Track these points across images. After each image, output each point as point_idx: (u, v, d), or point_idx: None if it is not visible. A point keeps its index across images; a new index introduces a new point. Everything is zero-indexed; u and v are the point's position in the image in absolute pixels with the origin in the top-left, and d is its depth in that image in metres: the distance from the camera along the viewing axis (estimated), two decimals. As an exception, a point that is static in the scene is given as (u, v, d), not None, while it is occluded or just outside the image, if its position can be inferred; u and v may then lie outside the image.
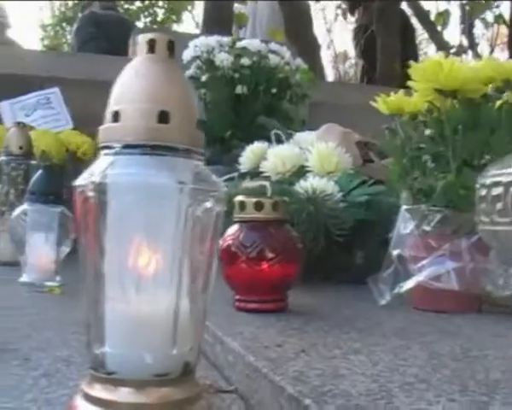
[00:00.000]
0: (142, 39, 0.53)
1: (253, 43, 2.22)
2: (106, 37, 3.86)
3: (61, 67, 2.79)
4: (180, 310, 0.51)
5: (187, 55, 2.17)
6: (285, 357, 0.66)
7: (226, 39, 2.26)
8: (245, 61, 2.18)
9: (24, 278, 1.34)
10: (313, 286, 1.21)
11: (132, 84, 0.52)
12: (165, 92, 0.51)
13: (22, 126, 1.81)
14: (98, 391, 0.52)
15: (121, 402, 0.51)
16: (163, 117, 0.50)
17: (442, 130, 1.00)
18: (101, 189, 0.49)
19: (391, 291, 1.04)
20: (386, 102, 1.09)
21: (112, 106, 0.52)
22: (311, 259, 1.05)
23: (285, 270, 0.95)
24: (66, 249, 1.38)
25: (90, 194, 0.50)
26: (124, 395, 0.51)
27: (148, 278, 0.50)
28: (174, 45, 0.53)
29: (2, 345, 0.80)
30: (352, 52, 9.11)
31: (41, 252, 1.36)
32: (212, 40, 2.21)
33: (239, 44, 2.24)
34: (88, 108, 2.46)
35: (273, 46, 2.26)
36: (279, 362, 0.64)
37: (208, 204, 0.51)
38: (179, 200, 0.49)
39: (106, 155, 0.51)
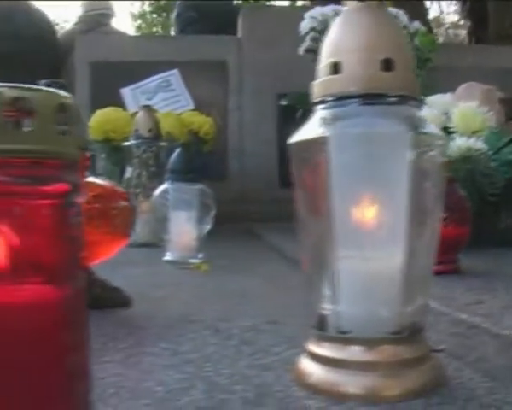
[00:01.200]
0: (352, -11, 0.51)
1: (370, 9, 2.16)
2: (205, 19, 3.86)
3: (169, 51, 2.81)
4: (410, 266, 0.49)
5: (304, 27, 2.13)
6: (496, 313, 0.63)
7: (342, 8, 2.21)
8: (362, 27, 2.12)
9: (168, 257, 1.36)
10: (469, 248, 1.17)
11: (349, 34, 0.50)
12: (385, 39, 0.49)
13: (149, 109, 1.83)
14: (326, 350, 0.51)
15: (352, 361, 0.49)
16: (387, 65, 0.48)
17: None
18: (324, 142, 0.48)
19: None
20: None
21: (327, 58, 0.50)
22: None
23: (457, 231, 0.91)
24: (207, 227, 1.39)
25: (314, 149, 0.49)
26: (354, 353, 0.49)
27: (380, 233, 0.48)
28: (383, -7, 0.51)
29: (185, 317, 0.80)
30: (445, 18, 8.82)
31: (183, 230, 1.37)
32: (329, 9, 2.16)
33: (355, 12, 2.18)
34: (199, 88, 2.48)
35: (390, 10, 2.19)
36: (494, 318, 0.61)
37: (434, 153, 0.49)
38: (409, 149, 0.47)
39: (324, 108, 0.50)
